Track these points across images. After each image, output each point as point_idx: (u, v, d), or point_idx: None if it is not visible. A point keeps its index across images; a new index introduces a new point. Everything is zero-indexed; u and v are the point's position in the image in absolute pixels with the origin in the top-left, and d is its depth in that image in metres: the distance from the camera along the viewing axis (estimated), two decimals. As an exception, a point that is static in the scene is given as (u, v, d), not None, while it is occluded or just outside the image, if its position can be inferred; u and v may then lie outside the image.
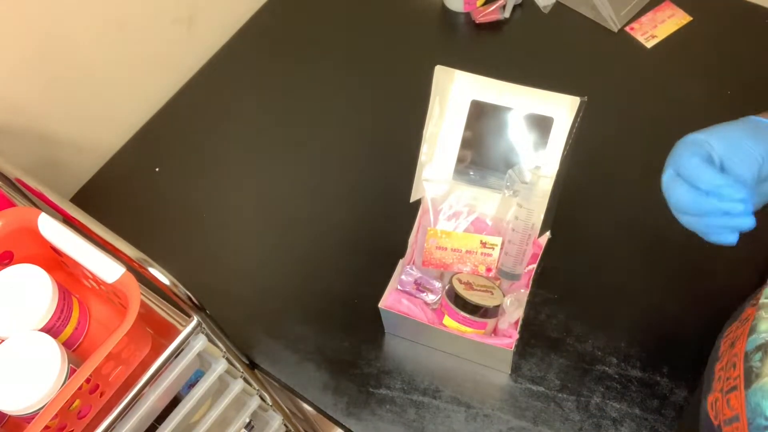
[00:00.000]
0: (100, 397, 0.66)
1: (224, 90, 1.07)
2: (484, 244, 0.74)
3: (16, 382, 0.59)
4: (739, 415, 0.49)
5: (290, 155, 0.98)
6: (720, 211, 0.52)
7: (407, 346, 0.78)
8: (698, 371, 0.66)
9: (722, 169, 0.54)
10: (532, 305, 0.77)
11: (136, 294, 0.60)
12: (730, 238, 0.53)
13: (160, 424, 0.69)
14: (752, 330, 0.51)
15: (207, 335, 0.68)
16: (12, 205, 0.77)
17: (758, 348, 0.49)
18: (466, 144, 0.77)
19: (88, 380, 0.60)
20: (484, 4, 1.06)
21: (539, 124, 0.73)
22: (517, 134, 0.74)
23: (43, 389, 0.59)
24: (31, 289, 0.65)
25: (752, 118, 0.56)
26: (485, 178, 0.77)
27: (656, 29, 1.00)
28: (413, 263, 0.77)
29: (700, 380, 0.62)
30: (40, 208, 0.68)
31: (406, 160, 0.77)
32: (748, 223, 0.52)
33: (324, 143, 0.98)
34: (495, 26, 1.06)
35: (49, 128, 0.94)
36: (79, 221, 0.65)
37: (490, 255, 0.74)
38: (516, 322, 0.72)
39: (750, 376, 0.49)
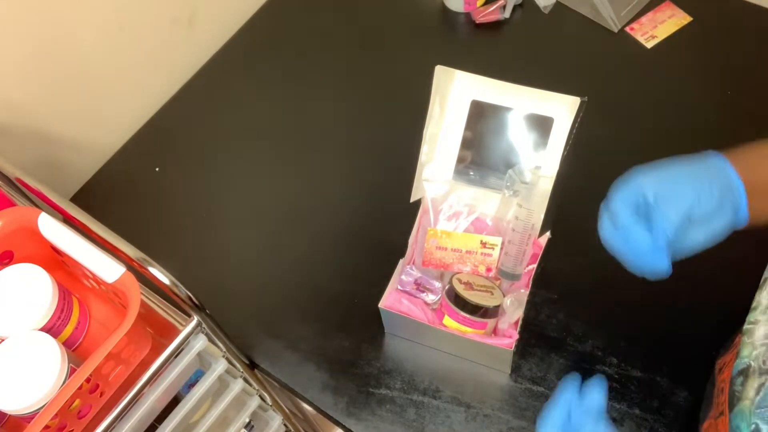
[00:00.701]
0: (100, 396, 0.66)
1: (224, 90, 1.07)
2: (484, 244, 0.74)
3: (16, 382, 0.59)
4: None
5: (290, 155, 0.98)
6: (628, 251, 0.55)
7: (407, 346, 0.78)
8: (698, 372, 0.66)
9: (651, 205, 0.55)
10: (532, 305, 0.77)
11: (136, 294, 0.60)
12: (657, 267, 0.54)
13: (160, 424, 0.69)
14: (737, 355, 0.52)
15: (207, 335, 0.68)
16: (12, 204, 0.77)
17: (740, 372, 0.50)
18: (466, 144, 0.77)
19: (88, 380, 0.60)
20: (484, 4, 1.06)
21: (539, 124, 0.73)
22: (517, 134, 0.74)
23: (43, 389, 0.59)
24: (31, 289, 0.65)
25: (710, 156, 0.56)
26: (485, 178, 0.77)
27: (656, 29, 1.00)
28: (413, 263, 0.77)
29: (701, 402, 0.63)
30: (40, 208, 0.68)
31: (406, 160, 0.77)
32: (654, 267, 0.54)
33: (324, 143, 0.98)
34: (495, 26, 1.06)
35: (49, 128, 0.94)
36: (79, 221, 0.65)
37: (490, 255, 0.74)
38: (516, 322, 0.72)
39: (733, 401, 0.50)
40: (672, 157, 0.57)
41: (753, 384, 0.48)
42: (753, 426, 0.46)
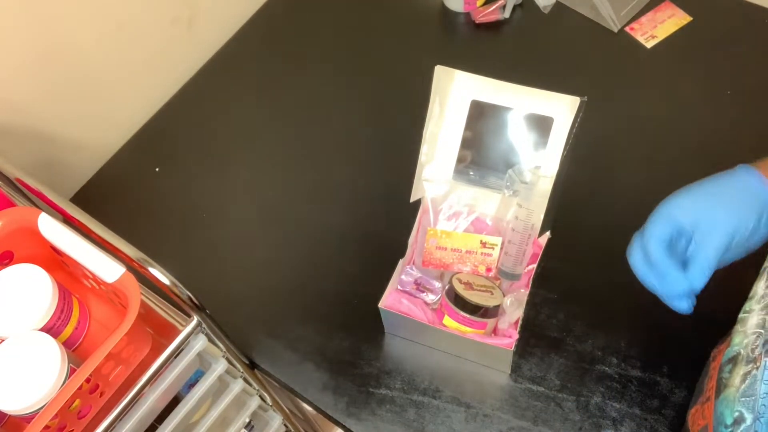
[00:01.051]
0: (100, 397, 0.66)
1: (224, 90, 1.07)
2: (484, 244, 0.74)
3: (16, 382, 0.59)
4: (708, 425, 0.51)
5: (290, 155, 0.98)
6: (660, 290, 0.56)
7: (407, 346, 0.78)
8: (698, 371, 0.66)
9: (690, 240, 0.55)
10: (532, 305, 0.77)
11: (136, 294, 0.60)
12: (680, 307, 0.55)
13: (160, 424, 0.69)
14: (729, 343, 0.52)
15: (207, 335, 0.68)
16: (12, 205, 0.77)
17: (730, 360, 0.51)
18: (466, 144, 0.77)
19: (88, 380, 0.60)
20: (484, 4, 1.06)
21: (539, 124, 0.73)
22: (517, 134, 0.74)
23: (43, 389, 0.59)
24: (31, 289, 0.65)
25: (743, 171, 0.56)
26: (485, 178, 0.77)
27: (656, 29, 1.00)
28: (413, 263, 0.77)
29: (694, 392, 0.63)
30: (40, 208, 0.68)
31: (406, 160, 0.77)
32: (681, 309, 0.55)
33: (324, 143, 0.98)
34: (495, 26, 1.06)
35: (49, 128, 0.94)
36: (79, 221, 0.65)
37: (490, 255, 0.74)
38: (516, 322, 0.72)
39: (720, 387, 0.51)
40: (704, 179, 0.57)
41: (739, 372, 0.48)
42: (737, 413, 0.46)
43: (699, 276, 0.54)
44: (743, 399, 0.46)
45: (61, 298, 0.66)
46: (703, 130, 0.90)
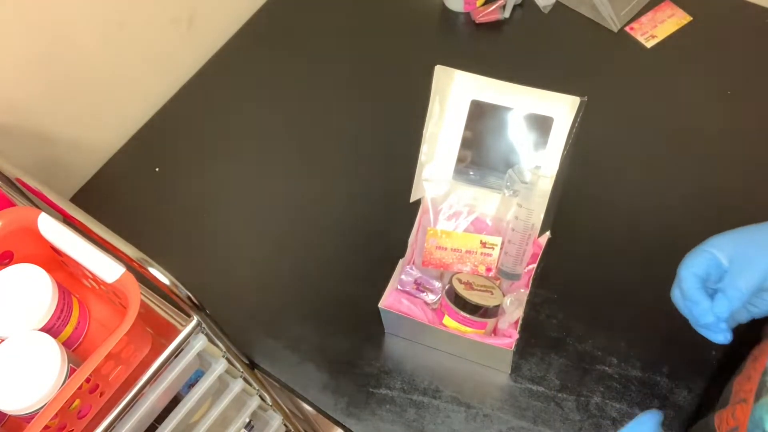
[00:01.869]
0: (100, 396, 0.66)
1: (224, 90, 1.07)
2: (484, 244, 0.74)
3: (16, 382, 0.59)
4: (740, 427, 0.50)
5: (289, 155, 0.98)
6: (692, 320, 0.58)
7: (407, 346, 0.78)
8: (698, 371, 0.66)
9: (725, 271, 0.56)
10: (532, 305, 0.77)
11: (136, 294, 0.60)
12: (716, 339, 0.57)
13: (160, 424, 0.69)
14: None
15: (207, 335, 0.68)
16: (12, 205, 0.77)
17: None
18: (466, 144, 0.77)
19: (88, 380, 0.60)
20: (484, 4, 1.06)
21: (539, 124, 0.73)
22: (517, 134, 0.74)
23: (43, 389, 0.59)
24: (31, 289, 0.65)
25: None
26: (485, 178, 0.77)
27: (656, 29, 1.00)
28: (413, 263, 0.77)
29: (701, 402, 0.63)
30: (40, 208, 0.68)
31: (406, 160, 0.77)
32: (719, 339, 0.57)
33: (323, 143, 0.98)
34: (495, 26, 1.06)
35: (49, 128, 0.94)
36: (79, 221, 0.65)
37: (490, 255, 0.74)
38: (516, 322, 0.72)
39: (761, 391, 0.50)
40: (746, 225, 0.58)
41: None
42: None
43: (723, 306, 0.55)
44: None
45: (61, 298, 0.66)
46: (702, 130, 0.90)
